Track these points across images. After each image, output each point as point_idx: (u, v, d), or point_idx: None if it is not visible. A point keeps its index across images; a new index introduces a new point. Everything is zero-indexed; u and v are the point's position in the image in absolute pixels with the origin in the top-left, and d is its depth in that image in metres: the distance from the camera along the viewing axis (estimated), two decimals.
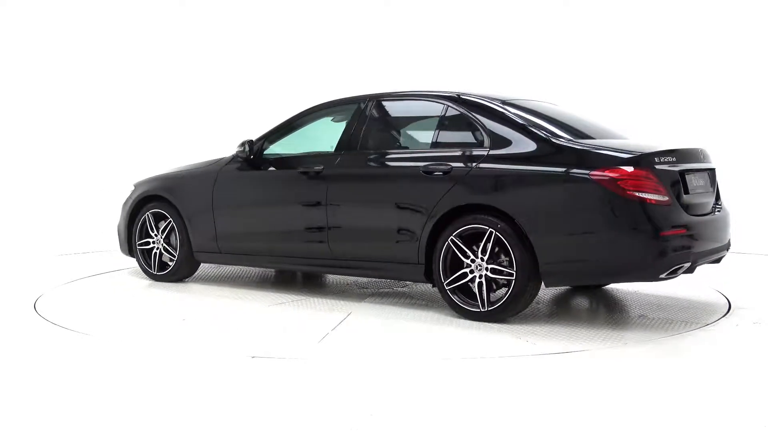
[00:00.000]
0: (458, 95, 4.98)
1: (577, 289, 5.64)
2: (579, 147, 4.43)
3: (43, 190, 9.08)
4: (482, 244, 4.50)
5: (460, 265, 4.60)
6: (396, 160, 5.07)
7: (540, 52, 9.75)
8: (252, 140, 5.73)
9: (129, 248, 6.45)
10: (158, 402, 3.19)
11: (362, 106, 5.31)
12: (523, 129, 4.60)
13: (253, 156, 5.70)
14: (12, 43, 8.99)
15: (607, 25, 9.38)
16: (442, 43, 10.24)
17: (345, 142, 5.27)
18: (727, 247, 4.88)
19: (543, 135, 4.54)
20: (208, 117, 10.22)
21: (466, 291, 4.62)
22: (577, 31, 9.57)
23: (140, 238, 6.34)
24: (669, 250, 4.21)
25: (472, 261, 4.55)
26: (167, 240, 6.21)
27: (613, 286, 5.63)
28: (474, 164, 4.60)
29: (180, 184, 6.16)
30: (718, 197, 4.94)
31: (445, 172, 4.68)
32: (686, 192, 4.44)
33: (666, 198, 4.24)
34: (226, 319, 4.93)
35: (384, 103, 5.31)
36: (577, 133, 4.82)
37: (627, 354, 3.90)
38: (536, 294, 4.58)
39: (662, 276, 4.24)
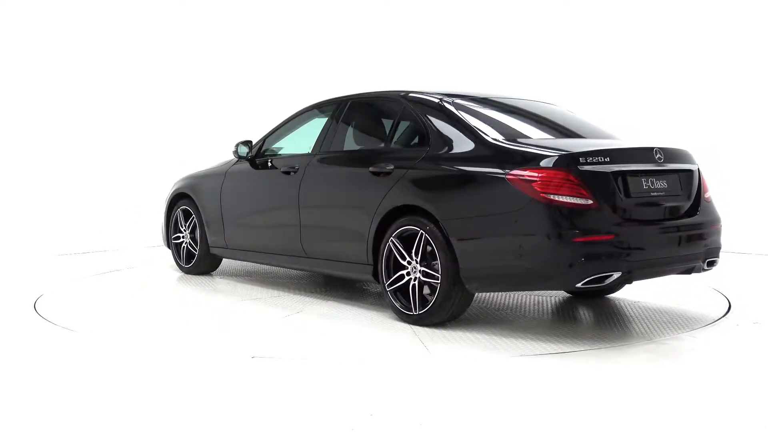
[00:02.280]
0: (409, 94, 4.92)
1: (578, 297, 5.45)
2: (505, 147, 4.24)
3: (43, 190, 9.09)
4: (415, 246, 4.46)
5: (402, 266, 4.57)
6: (353, 160, 5.13)
7: (540, 52, 9.75)
8: (250, 141, 5.99)
9: (168, 242, 6.98)
10: (158, 402, 3.19)
11: (337, 107, 5.43)
12: (464, 129, 4.47)
13: (253, 156, 5.95)
14: (12, 43, 8.99)
15: (608, 25, 9.38)
16: (441, 43, 10.25)
17: (319, 143, 5.41)
18: (704, 256, 4.42)
19: (479, 135, 4.37)
20: (209, 117, 10.22)
21: (406, 293, 4.57)
22: (577, 31, 9.57)
23: (174, 233, 6.85)
24: (586, 258, 3.89)
25: (409, 263, 4.51)
26: (193, 235, 6.62)
27: (616, 294, 5.59)
28: (412, 165, 4.57)
29: (199, 183, 6.55)
30: (697, 202, 4.50)
31: (388, 173, 4.67)
32: (627, 195, 4.09)
33: (590, 201, 3.93)
34: (193, 312, 5.14)
35: (354, 104, 5.36)
36: (548, 133, 4.76)
37: (625, 354, 3.90)
38: (467, 299, 4.40)
39: (579, 285, 3.94)
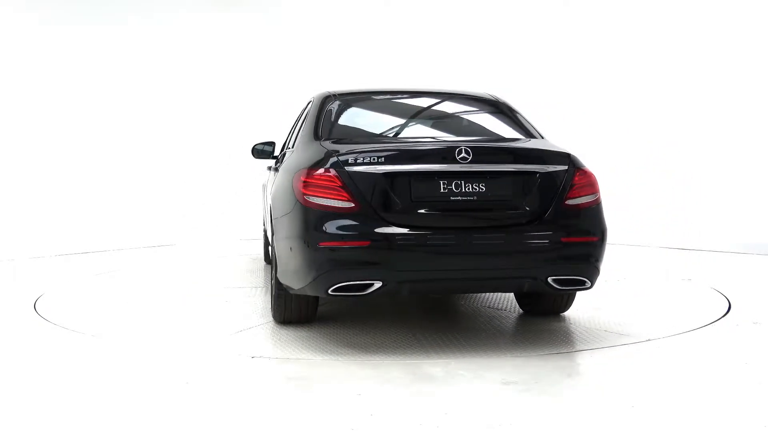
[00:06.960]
0: (328, 95, 4.83)
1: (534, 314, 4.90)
2: (315, 147, 4.17)
3: (43, 190, 9.09)
4: None
5: None
6: (282, 160, 5.17)
7: (539, 52, 9.75)
8: (273, 142, 6.10)
9: None
10: (158, 402, 3.19)
11: (306, 107, 5.48)
12: (313, 129, 4.43)
13: (276, 154, 6.10)
14: (13, 43, 8.99)
15: (608, 25, 9.38)
16: (441, 43, 10.24)
17: (290, 144, 5.55)
18: (548, 273, 3.78)
19: (314, 135, 4.35)
20: (211, 117, 10.24)
21: None
22: (576, 31, 9.57)
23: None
24: (331, 264, 3.68)
25: None
26: None
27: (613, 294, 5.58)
28: (279, 164, 4.60)
29: (265, 180, 6.77)
30: (545, 209, 3.84)
31: (277, 171, 4.76)
32: (410, 199, 3.74)
33: (350, 205, 3.71)
34: (193, 312, 5.17)
35: (311, 103, 5.38)
36: (423, 131, 4.68)
37: (623, 354, 3.90)
38: (298, 300, 4.28)
39: (330, 292, 3.71)
